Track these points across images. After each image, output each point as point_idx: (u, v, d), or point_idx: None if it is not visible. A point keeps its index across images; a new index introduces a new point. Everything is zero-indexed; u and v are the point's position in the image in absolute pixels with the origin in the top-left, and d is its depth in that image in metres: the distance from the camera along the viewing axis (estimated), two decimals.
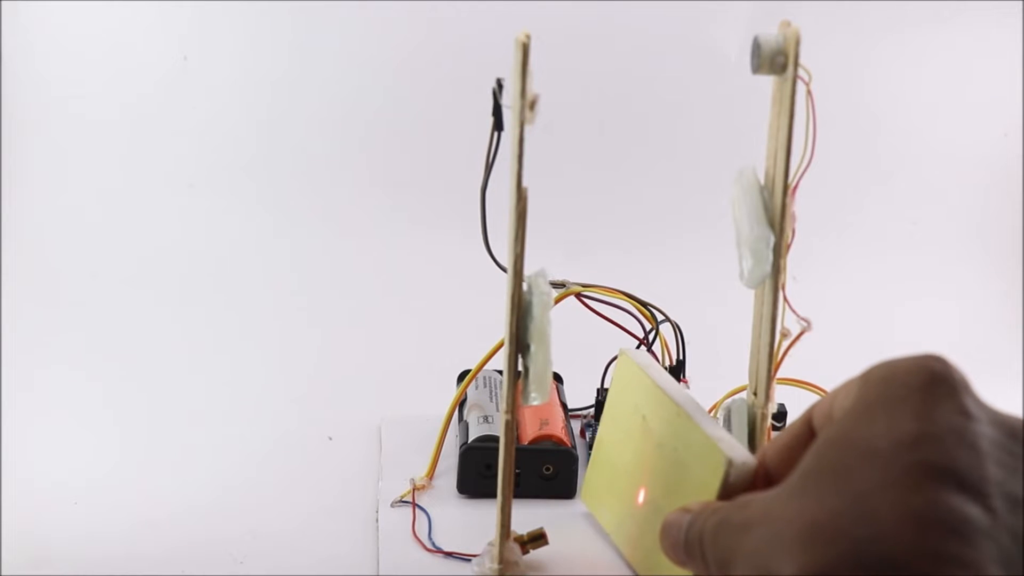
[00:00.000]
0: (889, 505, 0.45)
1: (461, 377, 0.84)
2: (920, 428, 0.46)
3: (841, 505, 0.46)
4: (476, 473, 0.75)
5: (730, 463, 0.59)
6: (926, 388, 0.48)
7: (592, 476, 0.73)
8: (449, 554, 0.71)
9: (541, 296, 0.62)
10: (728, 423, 0.68)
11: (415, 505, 0.75)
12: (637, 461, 0.68)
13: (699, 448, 0.61)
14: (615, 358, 0.72)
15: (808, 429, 0.54)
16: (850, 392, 0.50)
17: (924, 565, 0.43)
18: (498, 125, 0.63)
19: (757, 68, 0.61)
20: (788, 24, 0.60)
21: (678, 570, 0.58)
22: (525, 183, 0.61)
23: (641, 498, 0.67)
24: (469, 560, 0.70)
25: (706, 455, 0.61)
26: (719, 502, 0.57)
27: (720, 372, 0.77)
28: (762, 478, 0.58)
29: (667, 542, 0.57)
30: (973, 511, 0.44)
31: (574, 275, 0.78)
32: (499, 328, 0.64)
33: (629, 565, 0.69)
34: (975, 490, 0.45)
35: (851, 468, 0.47)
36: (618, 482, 0.70)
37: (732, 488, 0.59)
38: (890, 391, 0.48)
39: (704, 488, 0.60)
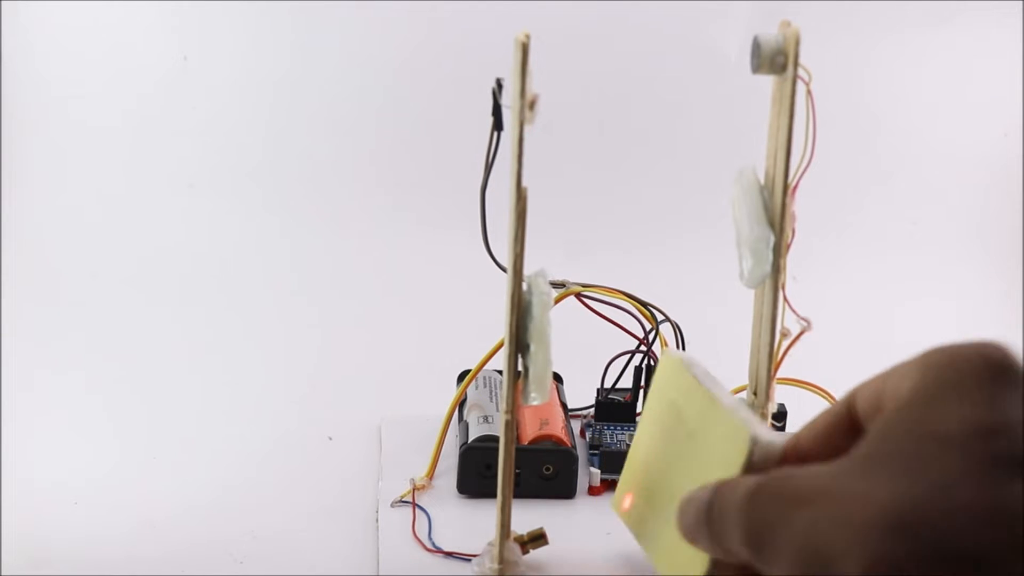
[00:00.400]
0: (971, 498, 0.44)
1: (461, 377, 0.83)
2: (992, 417, 0.45)
3: (921, 494, 0.44)
4: (476, 473, 0.75)
5: (755, 441, 0.57)
6: (992, 376, 0.46)
7: (624, 480, 0.70)
8: (449, 554, 0.71)
9: (541, 296, 0.62)
10: None
11: (415, 505, 0.75)
12: (669, 455, 0.66)
13: (724, 429, 0.59)
14: (615, 358, 0.72)
15: (848, 413, 0.52)
16: (905, 376, 0.49)
17: (1013, 560, 0.42)
18: (498, 125, 0.63)
19: (757, 68, 0.61)
20: (788, 24, 0.60)
21: (699, 568, 0.57)
22: (525, 183, 0.61)
23: (668, 491, 0.65)
24: (469, 560, 0.70)
25: (731, 435, 0.59)
26: (744, 476, 0.56)
27: (720, 372, 0.76)
28: (794, 462, 0.56)
29: (685, 519, 0.54)
30: None
31: (574, 275, 0.78)
32: (499, 328, 0.64)
33: (650, 562, 0.67)
34: None
35: (923, 456, 0.45)
36: (649, 480, 0.68)
37: (755, 468, 0.57)
38: (955, 377, 0.47)
39: (727, 467, 0.58)
